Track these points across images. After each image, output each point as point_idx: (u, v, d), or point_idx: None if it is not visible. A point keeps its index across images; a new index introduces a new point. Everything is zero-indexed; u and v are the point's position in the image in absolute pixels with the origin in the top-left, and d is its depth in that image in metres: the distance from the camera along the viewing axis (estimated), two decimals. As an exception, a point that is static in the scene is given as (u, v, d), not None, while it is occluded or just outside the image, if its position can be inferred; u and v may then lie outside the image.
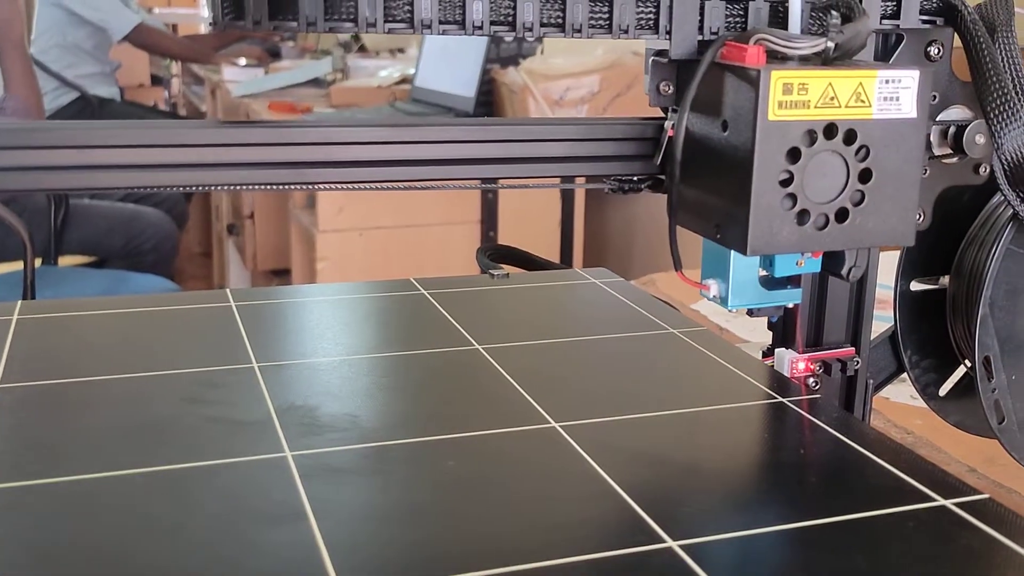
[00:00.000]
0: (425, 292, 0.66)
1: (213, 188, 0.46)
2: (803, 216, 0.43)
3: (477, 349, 0.55)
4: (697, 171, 0.45)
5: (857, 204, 0.44)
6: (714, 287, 0.47)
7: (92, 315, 0.60)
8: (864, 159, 0.43)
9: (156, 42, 3.12)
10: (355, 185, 0.47)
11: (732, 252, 0.47)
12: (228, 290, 0.65)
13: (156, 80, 4.57)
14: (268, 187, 0.46)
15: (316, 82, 2.80)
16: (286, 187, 0.46)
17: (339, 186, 0.47)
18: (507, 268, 0.71)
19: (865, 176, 0.44)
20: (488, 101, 2.22)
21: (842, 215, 0.44)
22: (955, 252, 0.54)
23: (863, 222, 0.44)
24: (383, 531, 0.38)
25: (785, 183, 0.43)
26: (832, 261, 0.49)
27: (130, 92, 3.90)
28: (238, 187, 0.46)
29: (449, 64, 2.27)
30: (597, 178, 0.50)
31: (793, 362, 0.52)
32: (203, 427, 0.46)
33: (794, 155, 0.42)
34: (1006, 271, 0.50)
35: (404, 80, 2.55)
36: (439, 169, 0.47)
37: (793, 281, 0.49)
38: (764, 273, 0.48)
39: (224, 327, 0.58)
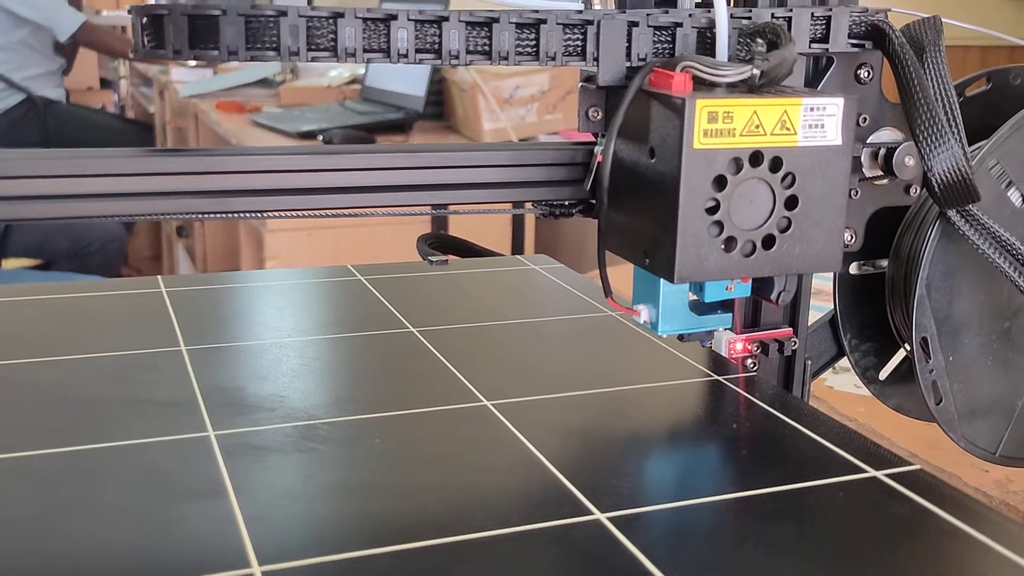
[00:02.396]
0: (362, 278, 0.66)
1: (143, 217, 0.45)
2: (730, 243, 0.43)
3: (411, 332, 0.55)
4: (625, 197, 0.45)
5: (784, 230, 0.44)
6: (644, 312, 0.47)
7: (20, 301, 0.60)
8: (790, 186, 0.44)
9: (102, 41, 3.07)
10: (283, 213, 0.46)
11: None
12: (160, 277, 0.64)
13: (105, 83, 4.51)
14: (200, 216, 0.45)
15: (265, 82, 2.78)
16: (216, 216, 0.45)
17: (268, 214, 0.47)
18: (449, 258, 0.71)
19: (791, 203, 0.44)
20: (438, 100, 2.22)
21: (769, 242, 0.44)
22: (894, 235, 0.54)
23: (790, 248, 0.44)
24: (304, 507, 0.38)
25: (712, 211, 0.43)
26: (762, 286, 0.49)
27: (78, 95, 3.84)
28: (169, 216, 0.45)
29: (399, 63, 2.25)
30: (529, 203, 0.49)
31: (731, 343, 0.51)
32: (126, 408, 0.45)
33: (720, 183, 0.42)
34: (943, 252, 0.50)
35: (354, 80, 2.53)
36: (366, 197, 0.46)
37: (724, 306, 0.49)
38: (694, 298, 0.48)
39: (154, 312, 0.58)
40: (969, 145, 0.51)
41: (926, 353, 0.51)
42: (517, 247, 2.06)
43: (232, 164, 0.45)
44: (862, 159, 0.50)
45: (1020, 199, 0.51)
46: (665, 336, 0.47)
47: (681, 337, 0.49)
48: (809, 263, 0.45)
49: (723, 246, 0.43)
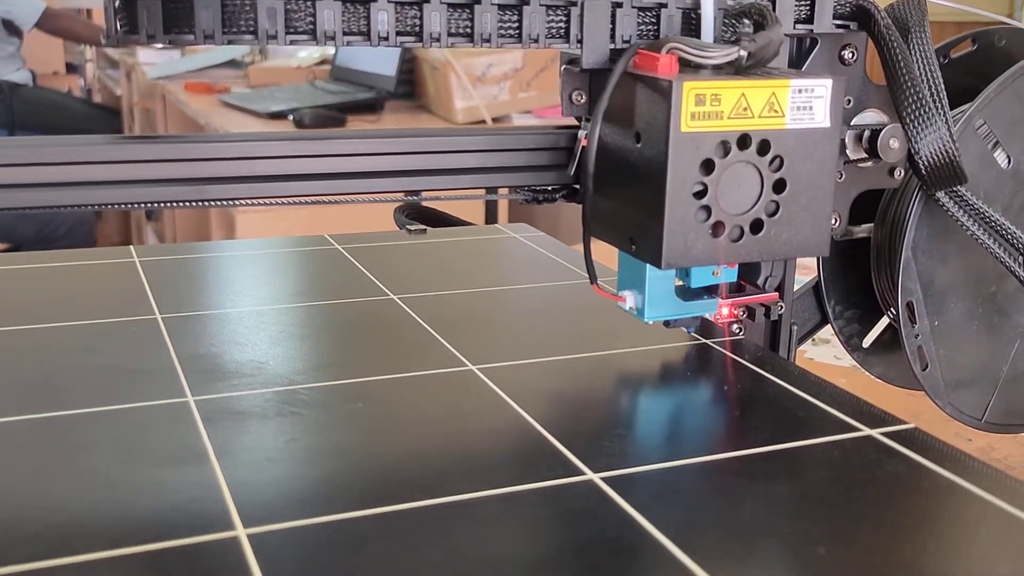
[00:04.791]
0: (339, 247, 0.65)
1: (113, 207, 0.44)
2: (718, 228, 0.43)
3: (392, 299, 0.55)
4: (611, 182, 0.44)
5: (772, 215, 0.43)
6: (630, 299, 0.47)
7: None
8: (778, 169, 0.43)
9: (66, 27, 3.02)
10: (259, 201, 0.45)
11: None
12: (132, 247, 0.63)
13: (71, 68, 4.44)
14: (171, 205, 0.44)
15: (233, 63, 2.75)
16: (188, 205, 0.44)
17: (241, 202, 0.46)
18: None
19: (779, 186, 0.43)
20: (409, 80, 2.20)
21: (757, 226, 0.43)
22: (879, 200, 0.53)
23: (778, 233, 0.44)
24: (287, 470, 0.37)
25: (699, 195, 0.42)
26: (748, 271, 0.48)
27: (44, 80, 3.78)
28: (139, 206, 0.44)
29: (370, 43, 2.23)
30: (511, 188, 0.49)
31: (717, 308, 0.51)
32: (101, 375, 0.45)
33: (708, 167, 0.42)
34: (928, 216, 0.50)
35: (324, 60, 2.51)
36: (343, 183, 0.45)
37: (710, 291, 0.48)
38: (680, 283, 0.47)
39: (126, 282, 0.57)
40: (955, 107, 0.50)
41: (912, 317, 0.51)
42: (491, 221, 2.05)
43: (204, 151, 0.44)
44: (846, 141, 0.49)
45: (1006, 159, 0.51)
46: (651, 323, 0.47)
47: (667, 323, 0.48)
48: (796, 248, 0.44)
49: (711, 231, 0.43)
